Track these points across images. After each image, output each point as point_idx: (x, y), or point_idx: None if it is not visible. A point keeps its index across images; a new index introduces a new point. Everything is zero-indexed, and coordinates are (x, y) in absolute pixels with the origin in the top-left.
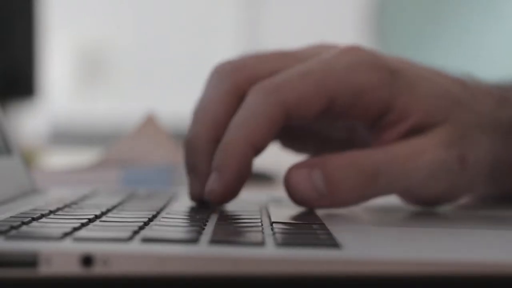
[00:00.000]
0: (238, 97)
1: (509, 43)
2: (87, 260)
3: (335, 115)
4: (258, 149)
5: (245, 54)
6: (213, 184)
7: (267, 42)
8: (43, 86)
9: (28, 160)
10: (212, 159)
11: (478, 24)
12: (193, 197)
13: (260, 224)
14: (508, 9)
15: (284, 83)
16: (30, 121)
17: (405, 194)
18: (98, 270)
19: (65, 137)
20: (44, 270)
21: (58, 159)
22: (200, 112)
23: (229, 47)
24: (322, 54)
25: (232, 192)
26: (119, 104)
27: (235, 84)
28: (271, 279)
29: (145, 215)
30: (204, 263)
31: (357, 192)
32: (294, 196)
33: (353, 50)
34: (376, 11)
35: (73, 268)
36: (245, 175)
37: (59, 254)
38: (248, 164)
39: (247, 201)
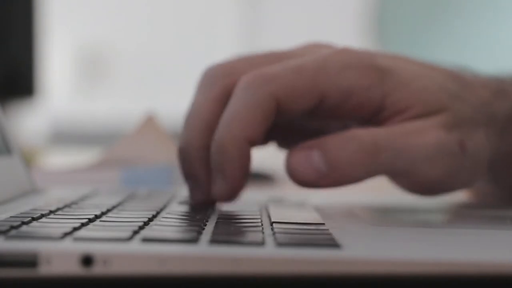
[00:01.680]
0: (222, 95)
1: (509, 42)
2: (87, 260)
3: (326, 113)
4: (254, 143)
5: (235, 56)
6: (219, 187)
7: (267, 42)
8: (43, 86)
9: (28, 160)
10: (207, 164)
11: (478, 22)
12: (195, 202)
13: (260, 224)
14: (508, 7)
15: (275, 75)
16: (30, 121)
17: (404, 176)
18: (98, 270)
19: (65, 137)
20: (44, 270)
21: (58, 159)
22: (190, 118)
23: (229, 47)
24: (315, 53)
25: (238, 190)
26: (119, 104)
27: (224, 88)
28: (271, 279)
29: (145, 215)
30: (204, 263)
31: (358, 168)
32: (296, 177)
33: (345, 51)
34: (376, 11)
35: (73, 268)
36: (247, 170)
37: (59, 254)
38: (248, 159)
39: (247, 201)
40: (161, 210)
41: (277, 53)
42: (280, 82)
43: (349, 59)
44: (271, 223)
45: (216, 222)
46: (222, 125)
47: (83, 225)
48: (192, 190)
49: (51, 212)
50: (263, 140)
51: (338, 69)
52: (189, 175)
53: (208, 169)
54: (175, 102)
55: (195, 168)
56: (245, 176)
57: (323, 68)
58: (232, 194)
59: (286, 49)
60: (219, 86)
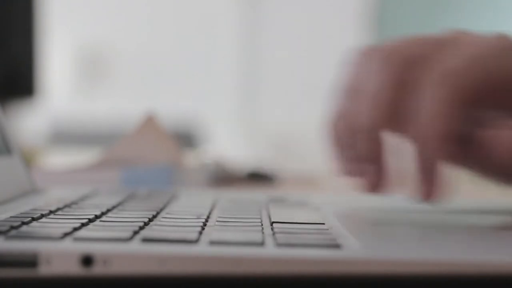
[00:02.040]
0: (402, 81)
1: None
2: (87, 260)
3: (494, 102)
4: (452, 139)
5: (389, 40)
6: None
7: (267, 42)
8: (43, 86)
9: (28, 160)
10: (379, 144)
11: (479, 23)
12: (372, 187)
13: (260, 224)
14: (508, 7)
15: (458, 69)
16: (30, 121)
17: None
18: (98, 270)
19: (65, 137)
20: (44, 270)
21: (58, 159)
22: (371, 97)
23: (229, 47)
24: (468, 40)
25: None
26: (119, 104)
27: (397, 67)
28: (271, 279)
29: (145, 215)
30: (204, 263)
31: None
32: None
33: (505, 38)
34: (376, 10)
35: (73, 268)
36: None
37: (59, 254)
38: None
39: (247, 201)
40: (161, 210)
41: (428, 37)
42: (466, 75)
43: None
44: (271, 223)
45: (216, 222)
46: (424, 119)
47: (83, 225)
48: (369, 172)
49: (51, 212)
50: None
51: (507, 55)
52: (370, 156)
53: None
54: (175, 102)
55: (376, 147)
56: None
57: (497, 56)
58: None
59: (431, 35)
60: (392, 65)
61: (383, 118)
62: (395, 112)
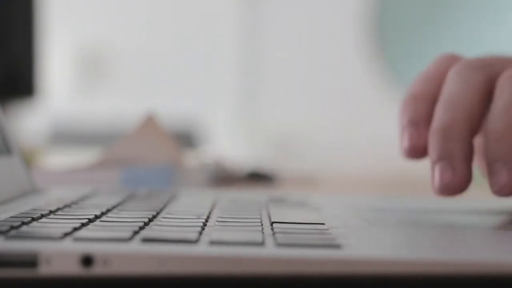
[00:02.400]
0: (489, 90)
1: (510, 42)
2: (87, 260)
3: None
4: None
5: (481, 55)
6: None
7: (267, 43)
8: (43, 86)
9: (28, 160)
10: (469, 149)
11: (479, 23)
12: (448, 188)
13: (260, 224)
14: (509, 7)
15: None
16: (30, 121)
17: None
18: (98, 270)
19: (65, 137)
20: (44, 270)
21: (58, 159)
22: (457, 101)
23: (229, 48)
24: None
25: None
26: (119, 104)
27: (487, 77)
28: (271, 279)
29: (145, 215)
30: (204, 263)
31: None
32: None
33: None
34: (376, 11)
35: (73, 268)
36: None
37: (59, 254)
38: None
39: (247, 201)
40: (161, 210)
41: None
42: None
43: None
44: (271, 223)
45: (216, 222)
46: (498, 114)
47: (83, 225)
48: (444, 169)
49: (51, 212)
50: None
51: None
52: (446, 154)
53: (470, 157)
54: (175, 102)
55: (457, 148)
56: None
57: None
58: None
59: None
60: (482, 75)
61: (463, 120)
62: (478, 116)
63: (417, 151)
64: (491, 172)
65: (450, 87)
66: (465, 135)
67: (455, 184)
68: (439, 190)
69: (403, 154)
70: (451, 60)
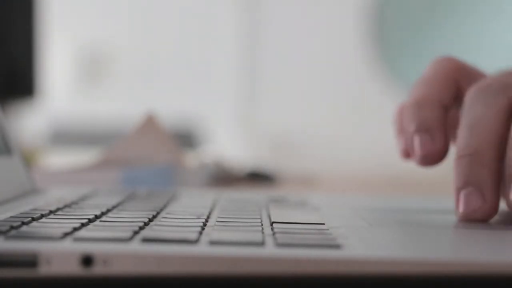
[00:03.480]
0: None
1: (510, 40)
2: (87, 260)
3: None
4: None
5: (498, 73)
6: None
7: (267, 43)
8: (43, 86)
9: (28, 160)
10: (497, 175)
11: (480, 23)
12: (475, 216)
13: (260, 224)
14: (510, 6)
15: None
16: (30, 121)
17: None
18: (98, 270)
19: (65, 137)
20: (44, 270)
21: (58, 159)
22: (480, 128)
23: (229, 48)
24: None
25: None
26: (119, 104)
27: (511, 100)
28: (271, 279)
29: (145, 215)
30: (204, 263)
31: None
32: None
33: None
34: (376, 11)
35: (73, 268)
36: None
37: (59, 254)
38: None
39: (247, 201)
40: (161, 210)
41: None
42: None
43: None
44: (271, 223)
45: (216, 222)
46: None
47: (83, 225)
48: (472, 197)
49: (51, 212)
50: None
51: None
52: (476, 181)
53: (498, 183)
54: (175, 102)
55: (486, 174)
56: None
57: None
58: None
59: None
60: (504, 98)
61: (490, 146)
62: (503, 140)
63: (432, 158)
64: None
65: (473, 110)
66: (493, 161)
67: (484, 212)
68: (465, 216)
69: (419, 162)
70: (448, 62)
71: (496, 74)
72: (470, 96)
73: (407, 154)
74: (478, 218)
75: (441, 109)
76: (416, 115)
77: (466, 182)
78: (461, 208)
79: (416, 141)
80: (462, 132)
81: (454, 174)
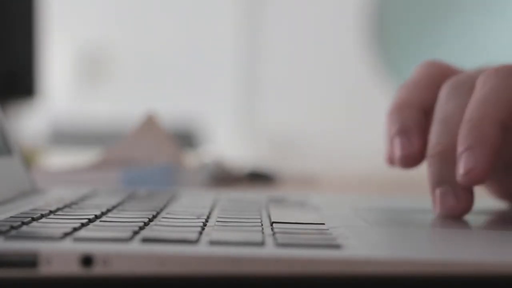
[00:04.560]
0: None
1: (510, 42)
2: (87, 260)
3: None
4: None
5: (473, 70)
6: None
7: (267, 42)
8: (43, 86)
9: (28, 160)
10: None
11: (480, 23)
12: (452, 213)
13: (260, 224)
14: (509, 8)
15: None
16: (30, 121)
17: None
18: (98, 270)
19: (65, 137)
20: (44, 270)
21: (58, 159)
22: (449, 123)
23: (229, 47)
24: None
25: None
26: (119, 104)
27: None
28: (271, 279)
29: (145, 215)
30: (204, 263)
31: None
32: None
33: None
34: (376, 11)
35: (73, 268)
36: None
37: (59, 254)
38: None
39: (247, 201)
40: (161, 210)
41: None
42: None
43: None
44: (271, 223)
45: (216, 222)
46: (476, 104)
47: (83, 225)
48: (446, 195)
49: (51, 212)
50: None
51: None
52: (448, 179)
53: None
54: (175, 102)
55: (454, 170)
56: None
57: None
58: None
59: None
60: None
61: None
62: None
63: (410, 160)
64: (460, 158)
65: (445, 106)
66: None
67: (458, 209)
68: (442, 215)
69: (398, 163)
70: (433, 67)
71: (470, 71)
72: (443, 92)
73: (391, 159)
74: (454, 216)
75: (421, 113)
76: (396, 118)
77: (440, 181)
78: (437, 208)
79: (396, 143)
80: (433, 129)
81: (428, 173)
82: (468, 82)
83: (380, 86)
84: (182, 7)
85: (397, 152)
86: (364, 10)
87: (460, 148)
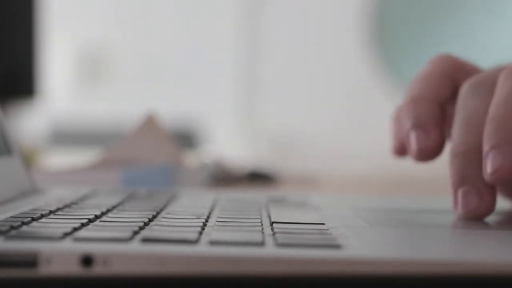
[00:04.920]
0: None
1: (510, 40)
2: (87, 260)
3: None
4: None
5: (492, 69)
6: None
7: (267, 42)
8: (43, 86)
9: (28, 160)
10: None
11: (480, 23)
12: (474, 214)
13: (260, 224)
14: (510, 6)
15: None
16: (30, 121)
17: None
18: (98, 270)
19: (65, 137)
20: (44, 270)
21: (58, 159)
22: (471, 123)
23: (229, 47)
24: None
25: None
26: (119, 104)
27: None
28: (271, 279)
29: (145, 215)
30: (204, 263)
31: None
32: None
33: None
34: (376, 11)
35: (73, 268)
36: None
37: (59, 254)
38: None
39: (247, 201)
40: (161, 210)
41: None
42: None
43: None
44: (271, 223)
45: (216, 222)
46: (500, 102)
47: (83, 225)
48: (469, 196)
49: (51, 212)
50: None
51: None
52: (471, 179)
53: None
54: (175, 102)
55: (481, 172)
56: None
57: None
58: None
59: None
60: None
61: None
62: None
63: (427, 153)
64: (487, 157)
65: (467, 106)
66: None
67: (482, 210)
68: (464, 216)
69: (415, 157)
70: (446, 60)
71: (490, 69)
72: (463, 91)
73: (400, 151)
74: (477, 217)
75: (436, 106)
76: (412, 112)
77: (463, 181)
78: (460, 209)
79: (412, 136)
80: (456, 129)
81: (450, 172)
82: (488, 81)
83: (380, 86)
84: (182, 7)
85: (414, 145)
86: (364, 10)
87: (486, 147)
